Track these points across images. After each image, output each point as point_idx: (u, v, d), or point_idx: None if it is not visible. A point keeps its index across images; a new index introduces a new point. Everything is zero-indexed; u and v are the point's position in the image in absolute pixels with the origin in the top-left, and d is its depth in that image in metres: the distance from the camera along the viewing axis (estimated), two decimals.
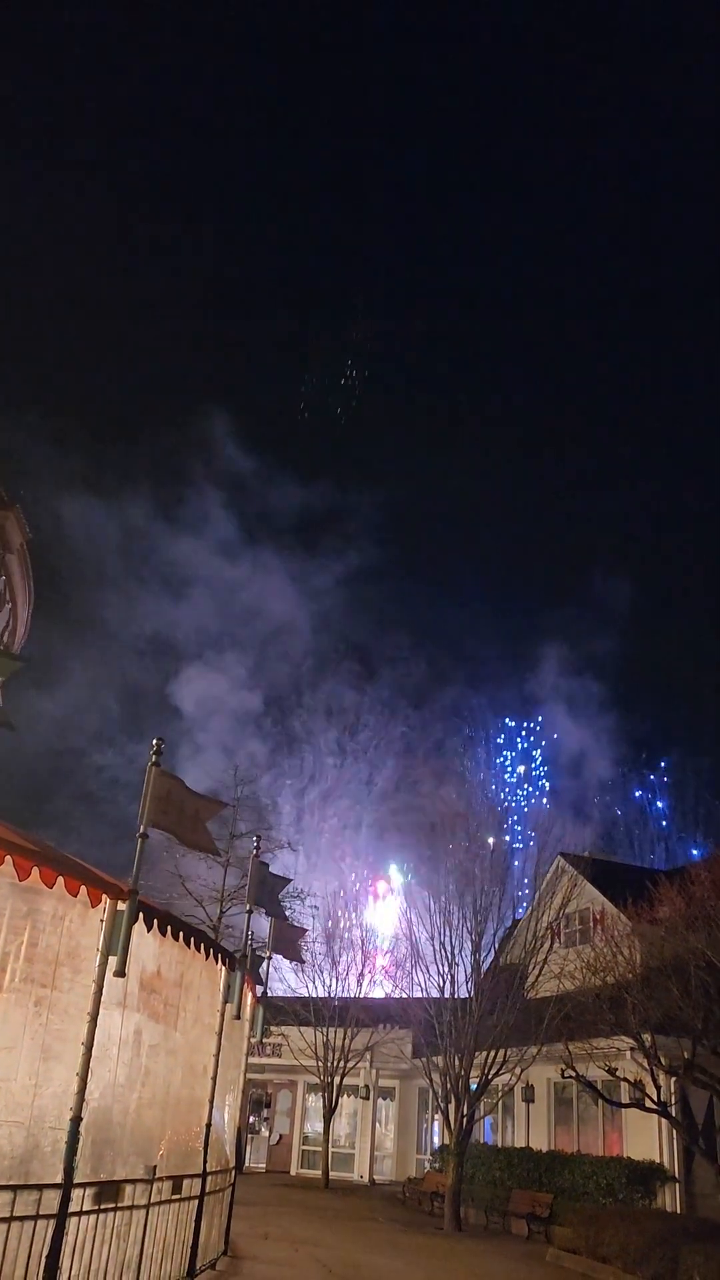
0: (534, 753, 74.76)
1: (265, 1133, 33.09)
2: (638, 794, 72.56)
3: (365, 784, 69.44)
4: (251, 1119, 32.22)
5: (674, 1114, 17.20)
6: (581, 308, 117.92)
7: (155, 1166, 8.79)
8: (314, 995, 30.26)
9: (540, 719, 75.71)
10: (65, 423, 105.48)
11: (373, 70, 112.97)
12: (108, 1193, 8.03)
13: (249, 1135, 31.72)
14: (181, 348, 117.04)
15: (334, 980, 30.50)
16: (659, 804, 71.77)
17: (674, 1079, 17.34)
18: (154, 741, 8.85)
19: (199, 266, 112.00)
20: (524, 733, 75.52)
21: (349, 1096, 31.03)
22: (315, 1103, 31.34)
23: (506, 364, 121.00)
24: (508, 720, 75.70)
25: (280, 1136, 33.00)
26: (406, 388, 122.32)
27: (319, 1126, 30.07)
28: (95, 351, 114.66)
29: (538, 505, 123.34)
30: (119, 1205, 8.17)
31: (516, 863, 25.11)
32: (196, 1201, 10.16)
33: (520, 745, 75.18)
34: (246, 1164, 30.29)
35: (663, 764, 73.19)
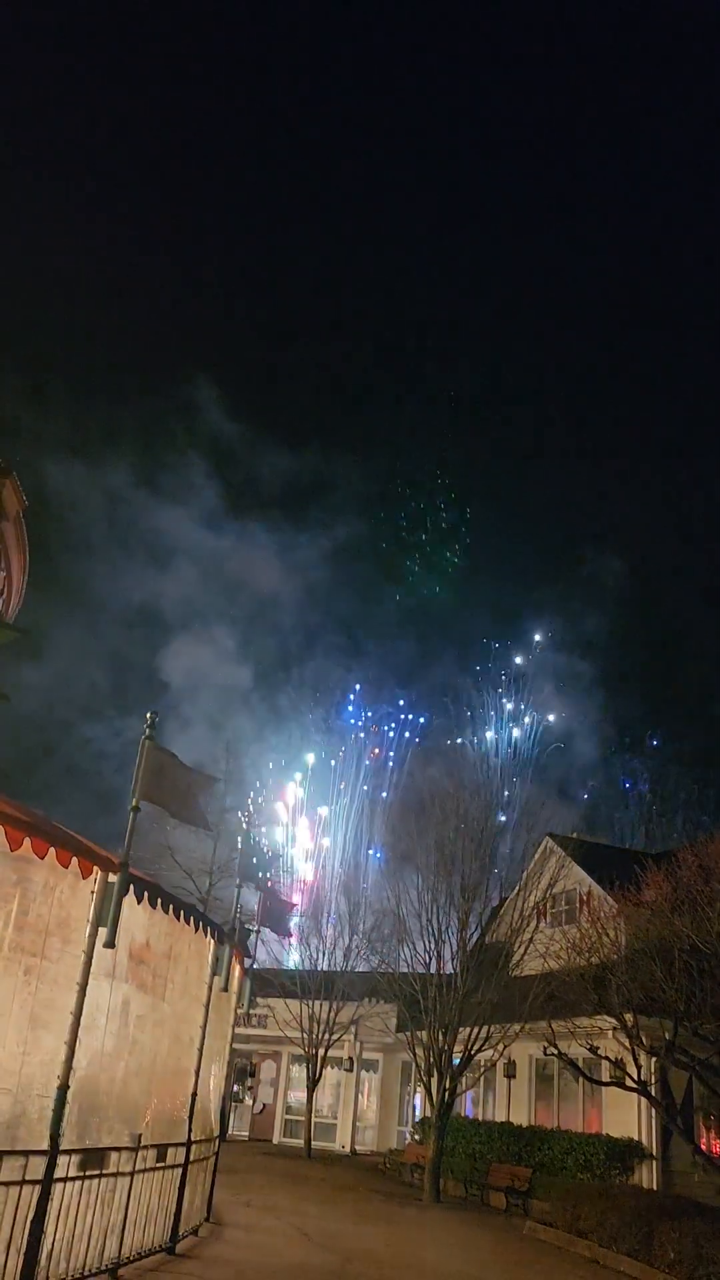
0: (518, 720, 74.48)
1: (249, 1102, 33.43)
2: (622, 778, 72.82)
3: (354, 761, 69.69)
4: (236, 1088, 32.54)
5: (654, 1093, 17.42)
6: (576, 288, 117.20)
7: (140, 1135, 8.89)
8: (300, 968, 30.50)
9: (529, 700, 75.77)
10: (49, 385, 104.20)
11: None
12: (93, 1160, 8.13)
13: (233, 1104, 32.06)
14: (168, 313, 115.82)
15: (321, 954, 30.74)
16: (642, 787, 72.01)
17: (654, 1059, 17.55)
18: (148, 715, 8.86)
19: (187, 233, 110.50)
20: (511, 708, 75.44)
21: (333, 1068, 31.33)
22: (299, 1073, 31.65)
23: (498, 338, 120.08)
24: (502, 698, 75.71)
25: (264, 1106, 33.35)
26: (397, 358, 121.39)
27: (302, 1097, 30.38)
28: (80, 314, 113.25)
29: (530, 481, 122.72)
30: (104, 1172, 8.27)
31: (505, 847, 25.18)
32: (180, 1170, 10.28)
33: (509, 724, 75.23)
34: (230, 1132, 30.62)
35: (654, 741, 73.27)
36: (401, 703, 74.01)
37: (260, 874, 13.05)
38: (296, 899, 31.12)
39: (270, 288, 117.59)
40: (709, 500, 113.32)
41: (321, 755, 70.30)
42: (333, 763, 69.55)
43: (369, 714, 72.88)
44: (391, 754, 71.12)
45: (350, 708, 73.16)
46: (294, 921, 26.51)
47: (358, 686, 73.86)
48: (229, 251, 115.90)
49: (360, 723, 72.59)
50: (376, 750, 69.62)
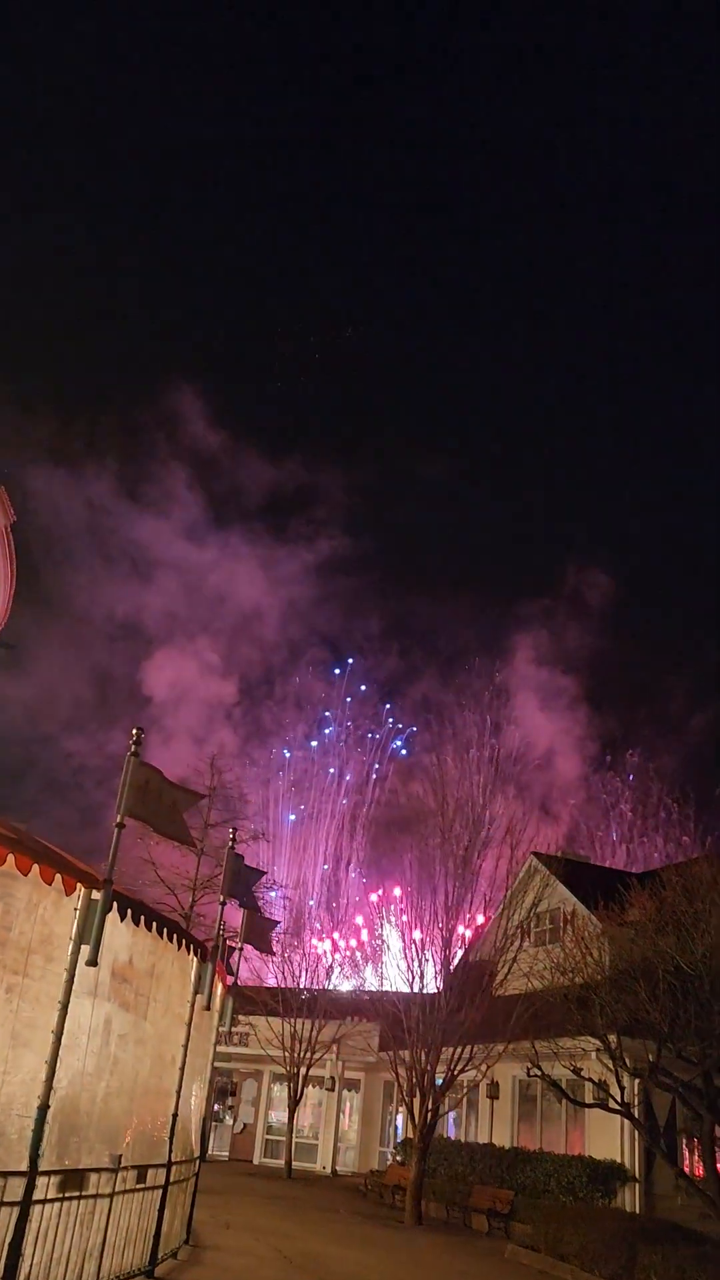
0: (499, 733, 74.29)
1: (230, 1121, 33.15)
2: (602, 797, 72.87)
3: (335, 776, 69.45)
4: (216, 1107, 32.26)
5: (637, 1115, 17.36)
6: (560, 301, 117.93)
7: (120, 1155, 8.79)
8: (283, 986, 30.32)
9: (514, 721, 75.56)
10: (32, 392, 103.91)
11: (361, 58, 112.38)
12: (72, 1181, 8.03)
13: (213, 1123, 31.77)
14: (152, 320, 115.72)
15: (304, 971, 30.58)
16: (624, 806, 72.09)
17: (638, 1081, 17.49)
18: (133, 731, 8.81)
19: (173, 237, 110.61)
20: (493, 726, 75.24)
21: (314, 1087, 31.11)
22: (280, 1092, 31.42)
23: (482, 350, 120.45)
24: (485, 715, 75.57)
25: (244, 1125, 33.06)
26: (379, 373, 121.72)
27: (283, 1116, 30.14)
28: (63, 321, 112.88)
29: (513, 495, 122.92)
30: (83, 1194, 8.17)
31: (488, 862, 25.14)
32: (160, 1191, 10.17)
33: (491, 741, 75.03)
34: (210, 1152, 30.32)
35: (633, 757, 73.35)
36: (386, 716, 73.81)
37: (245, 891, 12.97)
38: (280, 916, 30.91)
39: (256, 293, 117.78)
40: (694, 517, 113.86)
41: (304, 769, 70.14)
42: (309, 784, 69.29)
43: (349, 724, 72.51)
44: (377, 767, 70.91)
45: (330, 728, 72.91)
46: (276, 938, 26.36)
47: (348, 699, 73.63)
48: (213, 257, 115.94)
49: (342, 739, 72.36)
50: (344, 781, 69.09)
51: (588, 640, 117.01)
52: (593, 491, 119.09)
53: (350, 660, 75.83)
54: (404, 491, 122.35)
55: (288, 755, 70.26)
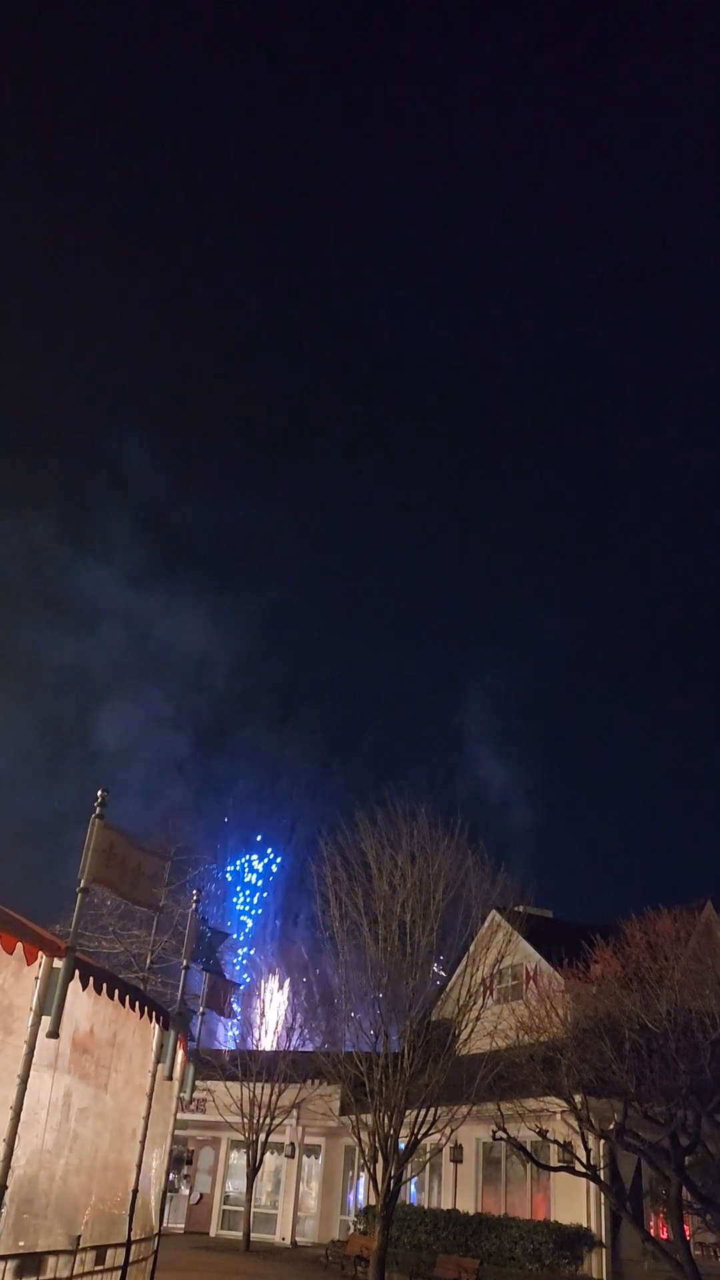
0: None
1: (185, 1191, 32.12)
2: (555, 843, 72.82)
3: (287, 828, 68.54)
4: (171, 1177, 31.25)
5: (603, 1178, 17.15)
6: (514, 335, 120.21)
7: (79, 1236, 8.48)
8: (239, 1048, 29.65)
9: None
10: None
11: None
12: (29, 1265, 7.72)
13: (169, 1194, 30.76)
14: (93, 362, 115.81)
15: (262, 1033, 29.97)
16: (575, 865, 72.04)
17: (604, 1142, 17.30)
18: (98, 793, 8.67)
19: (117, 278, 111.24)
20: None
21: (273, 1154, 30.29)
22: (238, 1160, 30.55)
23: (433, 397, 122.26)
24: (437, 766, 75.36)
25: (201, 1196, 32.04)
26: (328, 419, 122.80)
27: (241, 1185, 29.29)
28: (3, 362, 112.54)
29: (467, 541, 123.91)
30: (40, 1278, 7.85)
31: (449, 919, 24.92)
32: (120, 1272, 9.80)
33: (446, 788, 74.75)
34: (165, 1224, 29.32)
35: (582, 813, 73.53)
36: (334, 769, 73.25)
37: (209, 954, 12.73)
38: (244, 978, 30.35)
39: (196, 335, 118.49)
40: (648, 565, 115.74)
41: (255, 823, 69.09)
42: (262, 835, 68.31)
43: (302, 779, 71.61)
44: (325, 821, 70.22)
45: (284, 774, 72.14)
46: (235, 1001, 25.84)
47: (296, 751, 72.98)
48: (151, 296, 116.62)
49: (293, 788, 71.47)
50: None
51: (539, 688, 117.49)
52: (547, 539, 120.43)
53: (301, 713, 75.07)
54: (353, 538, 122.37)
55: (238, 809, 68.97)
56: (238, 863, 66.46)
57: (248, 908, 64.48)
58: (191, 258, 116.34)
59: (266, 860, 67.21)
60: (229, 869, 65.24)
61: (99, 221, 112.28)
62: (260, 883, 66.64)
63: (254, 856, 68.11)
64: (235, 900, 62.50)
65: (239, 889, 64.88)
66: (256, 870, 67.12)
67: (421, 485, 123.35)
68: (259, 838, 68.02)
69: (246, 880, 66.40)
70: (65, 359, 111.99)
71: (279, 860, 67.22)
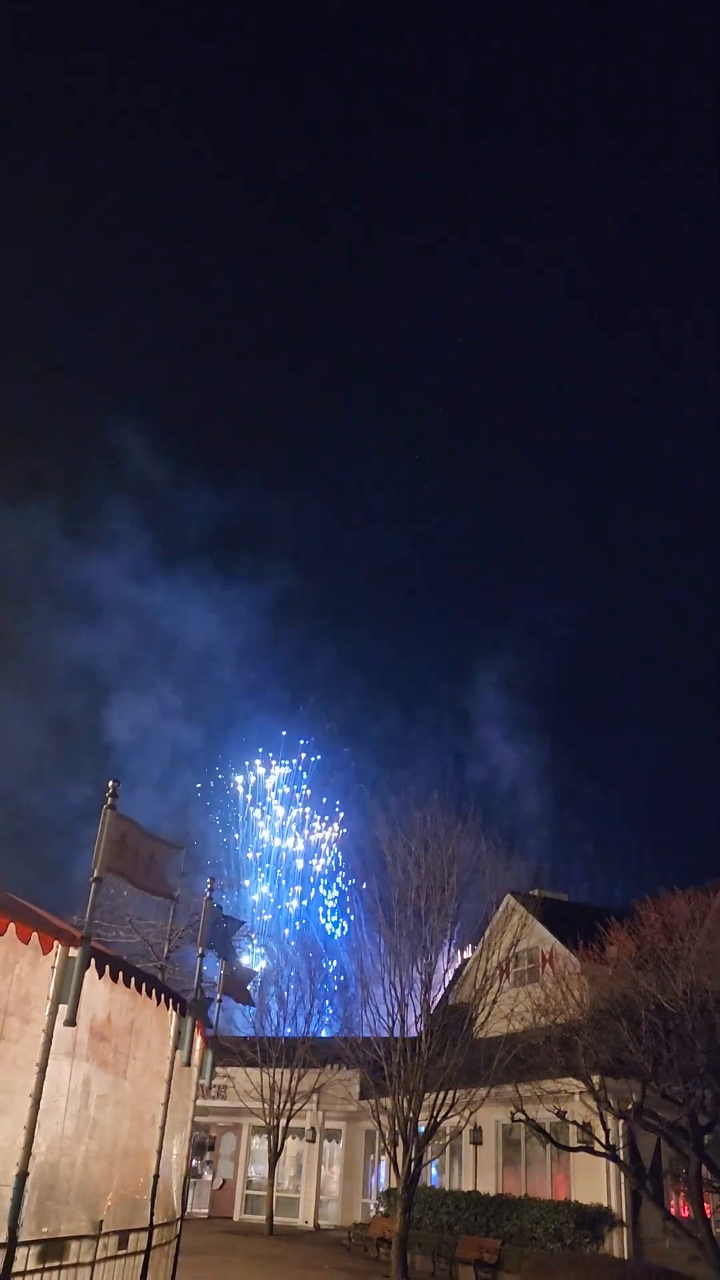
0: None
1: (208, 1177, 32.40)
2: (566, 827, 72.77)
3: (301, 821, 68.67)
4: (194, 1163, 31.50)
5: (622, 1158, 17.21)
6: (525, 328, 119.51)
7: (101, 1221, 8.57)
8: (259, 1034, 29.84)
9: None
10: None
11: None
12: (52, 1250, 7.80)
13: (192, 1180, 31.03)
14: (92, 352, 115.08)
15: (281, 1020, 30.14)
16: (587, 850, 71.80)
17: (623, 1122, 17.35)
18: (110, 783, 8.71)
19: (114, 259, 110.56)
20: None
21: (294, 1139, 30.53)
22: (260, 1146, 30.80)
23: (436, 380, 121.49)
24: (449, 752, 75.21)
25: (224, 1181, 32.33)
26: (327, 405, 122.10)
27: (263, 1170, 29.54)
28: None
29: (472, 524, 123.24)
30: (64, 1263, 7.94)
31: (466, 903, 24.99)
32: (143, 1256, 9.89)
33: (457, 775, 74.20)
34: (189, 1209, 29.56)
35: (594, 796, 73.57)
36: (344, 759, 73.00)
37: (224, 941, 12.80)
38: (259, 965, 30.51)
39: (195, 322, 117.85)
40: (654, 552, 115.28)
41: (271, 815, 69.22)
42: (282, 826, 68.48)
43: (309, 758, 71.33)
44: (338, 804, 70.08)
45: (300, 768, 71.91)
46: (253, 987, 25.98)
47: (304, 743, 72.69)
48: (151, 280, 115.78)
49: (305, 777, 71.33)
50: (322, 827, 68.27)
51: (548, 671, 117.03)
52: (552, 522, 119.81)
53: (310, 701, 74.70)
54: (356, 523, 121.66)
55: (249, 798, 68.97)
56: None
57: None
58: (185, 240, 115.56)
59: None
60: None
61: (93, 209, 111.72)
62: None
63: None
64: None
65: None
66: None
67: (424, 467, 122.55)
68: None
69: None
70: (58, 344, 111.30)
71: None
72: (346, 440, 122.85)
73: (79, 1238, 8.19)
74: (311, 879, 66.83)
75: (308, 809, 69.14)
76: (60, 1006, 7.69)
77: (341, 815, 68.39)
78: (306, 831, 68.18)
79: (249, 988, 16.03)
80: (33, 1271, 7.45)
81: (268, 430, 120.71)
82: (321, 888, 66.33)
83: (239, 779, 68.73)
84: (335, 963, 32.59)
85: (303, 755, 70.08)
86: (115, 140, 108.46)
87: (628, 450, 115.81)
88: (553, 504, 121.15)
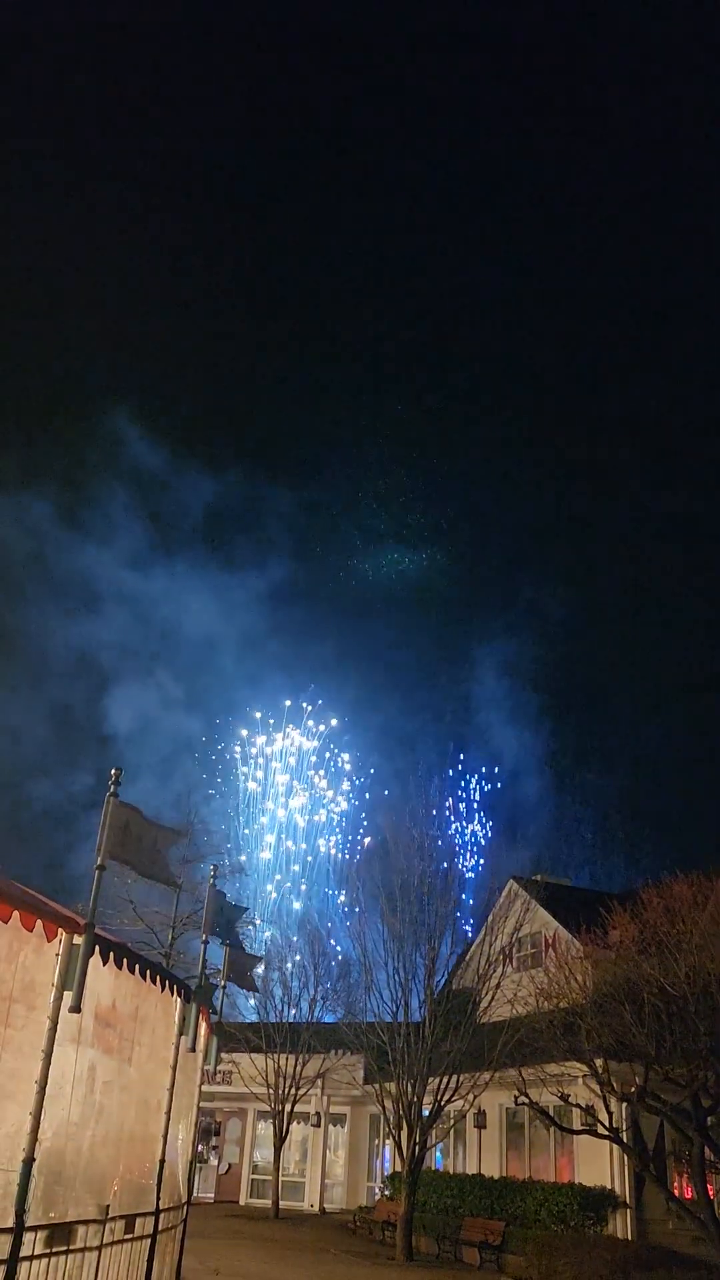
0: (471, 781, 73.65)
1: (214, 1162, 32.60)
2: (566, 813, 72.68)
3: (303, 811, 68.66)
4: (200, 1148, 31.70)
5: (626, 1140, 17.29)
6: (521, 317, 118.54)
7: (108, 1206, 8.62)
8: (266, 1020, 29.97)
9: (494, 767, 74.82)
10: None
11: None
12: (59, 1235, 7.85)
13: (197, 1165, 31.23)
14: (86, 339, 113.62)
15: (285, 1005, 30.25)
16: (586, 834, 71.78)
17: (626, 1105, 17.44)
18: (112, 771, 8.73)
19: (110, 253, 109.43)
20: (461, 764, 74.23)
21: (299, 1124, 30.71)
22: (265, 1130, 30.98)
23: (432, 365, 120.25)
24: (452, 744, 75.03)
25: (229, 1166, 32.55)
26: (320, 393, 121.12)
27: (269, 1155, 29.71)
28: None
29: (469, 507, 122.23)
30: (71, 1248, 7.99)
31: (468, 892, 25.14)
32: (149, 1240, 9.96)
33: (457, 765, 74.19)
34: (195, 1194, 29.77)
35: (591, 779, 73.47)
36: (347, 738, 72.79)
37: (228, 928, 12.84)
38: (262, 951, 30.61)
39: (191, 306, 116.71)
40: (655, 533, 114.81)
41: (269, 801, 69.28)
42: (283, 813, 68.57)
43: (317, 725, 71.15)
44: (345, 790, 70.15)
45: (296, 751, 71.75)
46: (258, 973, 26.08)
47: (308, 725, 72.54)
48: (145, 264, 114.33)
49: (309, 767, 71.32)
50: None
51: (547, 656, 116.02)
52: (551, 504, 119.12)
53: (312, 688, 74.07)
54: (354, 509, 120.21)
55: (249, 790, 68.91)
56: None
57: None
58: (173, 222, 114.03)
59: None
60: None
61: (83, 192, 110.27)
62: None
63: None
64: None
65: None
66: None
67: (418, 449, 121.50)
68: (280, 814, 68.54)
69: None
70: (59, 339, 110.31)
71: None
72: (340, 418, 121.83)
73: (85, 1222, 8.24)
74: (318, 848, 66.96)
75: (318, 775, 69.20)
76: (65, 993, 7.72)
77: (347, 786, 68.58)
78: (306, 796, 68.27)
79: (253, 974, 16.09)
80: (40, 1256, 7.50)
81: (257, 411, 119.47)
82: (332, 847, 66.33)
83: (239, 748, 68.79)
84: (337, 946, 32.61)
85: (309, 723, 70.01)
86: (117, 124, 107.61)
87: (628, 431, 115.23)
88: (553, 485, 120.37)
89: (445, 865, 24.35)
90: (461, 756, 72.86)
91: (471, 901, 25.19)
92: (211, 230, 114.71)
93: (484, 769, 72.86)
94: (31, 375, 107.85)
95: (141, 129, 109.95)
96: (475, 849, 61.32)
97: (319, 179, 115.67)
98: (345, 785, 69.13)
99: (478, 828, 67.21)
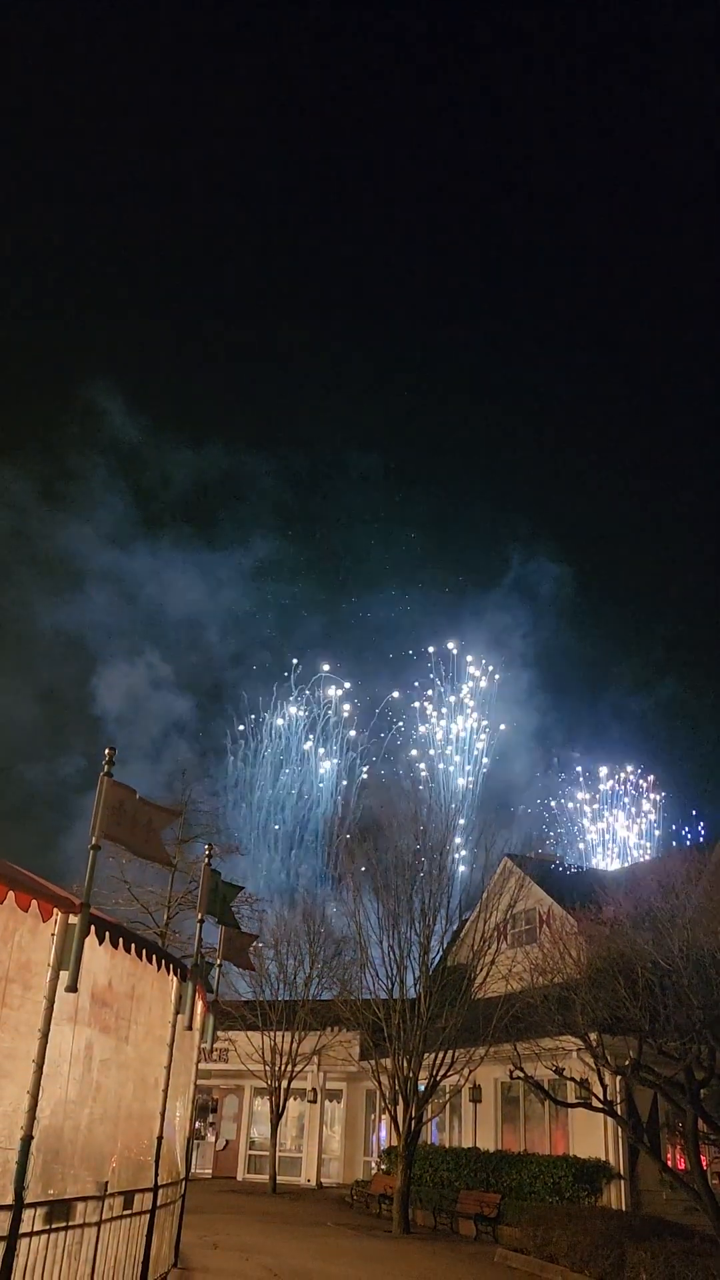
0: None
1: (211, 1138, 32.88)
2: (557, 793, 72.50)
3: (291, 790, 68.61)
4: (197, 1124, 31.96)
5: (620, 1113, 17.44)
6: (506, 287, 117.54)
7: (107, 1183, 8.67)
8: (262, 998, 30.13)
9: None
10: None
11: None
12: (59, 1212, 7.89)
13: (195, 1141, 31.47)
14: (64, 311, 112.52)
15: (281, 984, 30.41)
16: (581, 819, 71.63)
17: (620, 1078, 17.58)
18: (106, 750, 8.71)
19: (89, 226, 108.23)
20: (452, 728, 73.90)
21: (296, 1100, 30.94)
22: (262, 1107, 31.20)
23: (415, 334, 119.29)
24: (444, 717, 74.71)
25: (227, 1142, 32.82)
26: (309, 358, 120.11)
27: (265, 1131, 29.95)
28: None
29: (460, 480, 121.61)
30: (70, 1224, 8.03)
31: (462, 866, 25.16)
32: (148, 1216, 10.03)
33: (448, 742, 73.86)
34: (193, 1170, 30.03)
35: (578, 753, 73.28)
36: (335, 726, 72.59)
37: (223, 907, 12.86)
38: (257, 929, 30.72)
39: (174, 277, 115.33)
40: (649, 506, 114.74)
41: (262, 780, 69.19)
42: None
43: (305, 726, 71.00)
44: (336, 762, 69.93)
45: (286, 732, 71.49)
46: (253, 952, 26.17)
47: (301, 699, 72.29)
48: (129, 239, 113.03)
49: (298, 743, 71.10)
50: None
51: (538, 630, 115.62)
52: (544, 477, 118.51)
53: (296, 662, 73.42)
54: (336, 482, 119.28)
55: (243, 768, 68.84)
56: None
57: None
58: (152, 192, 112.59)
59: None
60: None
61: (66, 168, 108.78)
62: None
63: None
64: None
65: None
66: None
67: (402, 418, 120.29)
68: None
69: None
70: (37, 312, 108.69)
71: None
72: (323, 388, 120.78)
73: (84, 1199, 8.29)
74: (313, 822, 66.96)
75: (312, 745, 69.08)
76: (61, 973, 7.72)
77: (341, 756, 68.47)
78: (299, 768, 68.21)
79: (249, 952, 16.13)
80: (39, 1232, 7.54)
81: (239, 383, 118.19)
82: (334, 828, 66.42)
83: (231, 727, 68.73)
84: (333, 922, 32.74)
85: (304, 691, 69.79)
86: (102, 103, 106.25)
87: (619, 405, 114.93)
88: (546, 456, 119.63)
89: (440, 840, 24.40)
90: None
91: (465, 870, 25.16)
92: (194, 201, 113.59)
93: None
94: (9, 348, 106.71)
95: (127, 106, 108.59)
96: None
97: (306, 154, 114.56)
98: (327, 766, 68.77)
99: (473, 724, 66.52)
